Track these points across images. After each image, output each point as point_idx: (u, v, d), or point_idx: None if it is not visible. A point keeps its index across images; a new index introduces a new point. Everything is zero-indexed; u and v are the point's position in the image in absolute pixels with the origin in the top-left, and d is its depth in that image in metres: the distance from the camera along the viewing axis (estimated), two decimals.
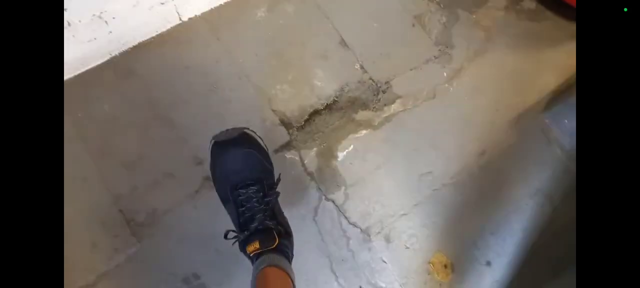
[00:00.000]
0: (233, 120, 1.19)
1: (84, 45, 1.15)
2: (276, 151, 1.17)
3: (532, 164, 1.24)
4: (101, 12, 1.11)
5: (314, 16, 1.34)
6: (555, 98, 1.27)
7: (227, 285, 1.05)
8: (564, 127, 1.24)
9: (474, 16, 1.37)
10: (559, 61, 1.33)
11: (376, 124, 1.23)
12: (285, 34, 1.31)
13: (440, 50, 1.32)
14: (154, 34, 1.27)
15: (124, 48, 1.25)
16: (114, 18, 1.14)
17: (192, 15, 1.30)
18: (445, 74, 1.30)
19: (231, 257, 1.04)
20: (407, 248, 1.13)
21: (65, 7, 1.02)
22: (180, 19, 1.29)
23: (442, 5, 1.38)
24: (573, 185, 1.20)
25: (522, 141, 1.25)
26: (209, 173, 0.94)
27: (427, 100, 1.27)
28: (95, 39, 1.16)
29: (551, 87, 1.30)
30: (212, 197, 1.01)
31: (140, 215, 1.08)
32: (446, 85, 1.29)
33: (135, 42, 1.25)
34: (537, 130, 1.26)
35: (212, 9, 1.32)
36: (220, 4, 1.33)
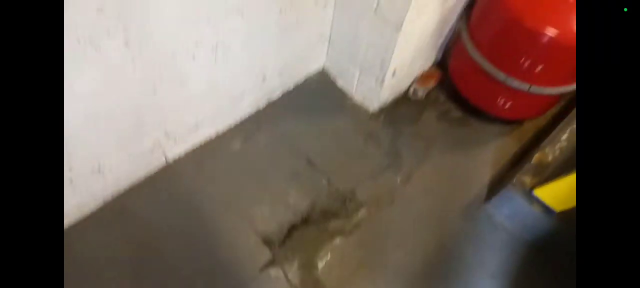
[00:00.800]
0: (219, 244, 1.31)
1: (84, 196, 1.28)
2: (261, 269, 1.29)
3: (487, 249, 1.42)
4: (98, 165, 1.27)
5: (282, 142, 1.56)
6: (492, 189, 1.51)
7: None
8: (505, 213, 1.45)
9: (414, 129, 1.64)
10: (489, 157, 1.60)
11: (347, 230, 1.39)
12: (259, 160, 1.51)
13: (390, 160, 1.56)
14: (144, 176, 1.42)
15: (117, 192, 1.39)
16: (109, 170, 1.30)
17: (176, 157, 1.49)
18: (398, 179, 1.52)
19: None
20: None
21: (70, 166, 1.17)
22: (167, 161, 1.47)
23: (386, 124, 1.65)
24: (522, 265, 1.38)
25: (473, 229, 1.44)
26: None
27: (387, 204, 1.46)
28: (90, 188, 1.30)
29: (487, 179, 1.54)
30: None
31: None
32: (401, 189, 1.50)
33: (126, 187, 1.40)
34: (484, 218, 1.47)
35: (196, 147, 1.51)
36: (201, 142, 1.53)
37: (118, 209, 1.35)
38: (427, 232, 1.42)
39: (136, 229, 1.32)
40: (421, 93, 1.71)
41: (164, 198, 1.39)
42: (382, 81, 1.57)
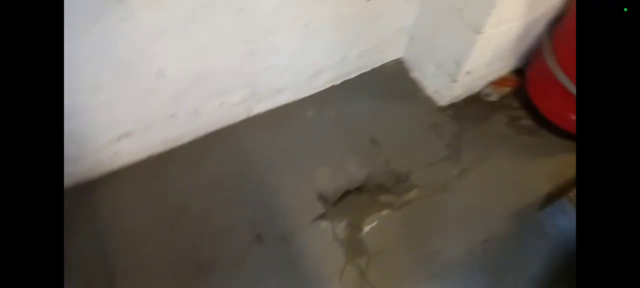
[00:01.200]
0: (278, 194, 1.50)
1: (181, 128, 1.54)
2: (312, 221, 1.45)
3: (530, 254, 1.43)
4: (196, 108, 1.51)
5: (351, 118, 1.70)
6: (549, 200, 1.51)
7: None
8: (556, 224, 1.45)
9: (480, 128, 1.68)
10: (551, 170, 1.59)
11: (396, 206, 1.50)
12: (328, 129, 1.67)
13: (450, 152, 1.62)
14: (230, 124, 1.66)
15: (205, 133, 1.63)
16: (205, 112, 1.53)
17: (258, 112, 1.70)
18: (455, 171, 1.58)
19: None
20: None
21: (176, 109, 1.42)
22: (250, 115, 1.69)
23: (453, 119, 1.71)
24: (564, 277, 1.38)
25: (521, 234, 1.46)
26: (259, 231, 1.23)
27: (440, 191, 1.54)
28: (187, 124, 1.55)
29: (545, 191, 1.54)
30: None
31: None
32: (455, 180, 1.56)
33: (215, 129, 1.64)
34: (534, 225, 1.48)
35: (273, 108, 1.72)
36: (280, 106, 1.73)
37: (203, 146, 1.59)
38: (473, 226, 1.47)
39: (215, 165, 1.55)
40: (494, 96, 1.74)
41: (241, 145, 1.61)
42: (456, 79, 1.63)
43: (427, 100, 1.78)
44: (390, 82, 1.83)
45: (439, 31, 1.60)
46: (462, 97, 1.76)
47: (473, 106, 1.74)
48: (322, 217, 1.46)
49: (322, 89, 1.79)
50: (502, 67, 1.74)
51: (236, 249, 1.38)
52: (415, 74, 1.85)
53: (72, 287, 1.26)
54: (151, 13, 1.10)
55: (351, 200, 1.51)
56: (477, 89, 1.77)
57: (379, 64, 1.89)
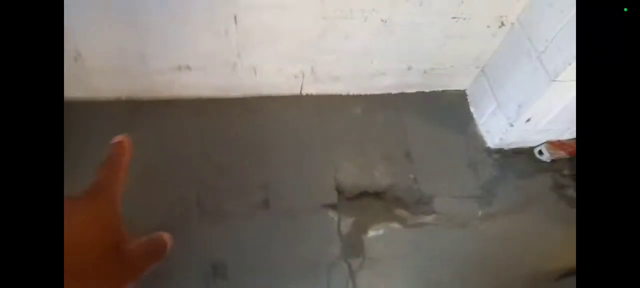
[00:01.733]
0: (300, 170, 1.53)
1: (236, 81, 1.63)
2: (322, 206, 1.46)
3: None
4: (256, 66, 1.59)
5: (395, 127, 1.69)
6: (568, 275, 1.38)
7: None
8: None
9: (521, 182, 1.58)
10: None
11: (408, 223, 1.46)
12: (369, 130, 1.67)
13: (482, 193, 1.54)
14: (279, 94, 1.72)
15: (256, 94, 1.71)
16: (262, 72, 1.61)
17: (309, 92, 1.75)
18: (480, 213, 1.50)
19: None
20: None
21: (238, 52, 1.51)
22: (301, 92, 1.74)
23: (496, 164, 1.63)
24: None
25: None
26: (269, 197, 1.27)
27: (459, 226, 1.47)
28: (242, 79, 1.64)
29: (568, 265, 1.41)
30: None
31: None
32: (477, 222, 1.48)
33: (264, 94, 1.72)
34: None
35: (324, 94, 1.75)
36: (331, 94, 1.76)
37: (247, 106, 1.67)
38: (482, 273, 1.39)
39: (251, 126, 1.62)
40: (547, 156, 1.63)
41: (281, 116, 1.66)
42: (513, 123, 1.56)
43: (477, 137, 1.71)
44: (446, 109, 1.79)
45: (512, 70, 1.54)
46: (513, 146, 1.67)
47: (521, 159, 1.65)
48: (332, 206, 1.47)
49: (378, 92, 1.79)
50: (565, 129, 1.62)
51: (243, 206, 1.43)
52: (473, 109, 1.79)
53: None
54: None
55: (366, 202, 1.50)
56: (531, 144, 1.67)
57: (441, 89, 1.86)
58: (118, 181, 0.39)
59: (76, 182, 1.27)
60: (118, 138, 0.42)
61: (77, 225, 0.33)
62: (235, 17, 1.35)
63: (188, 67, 1.51)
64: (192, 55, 1.47)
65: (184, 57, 1.48)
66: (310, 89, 1.74)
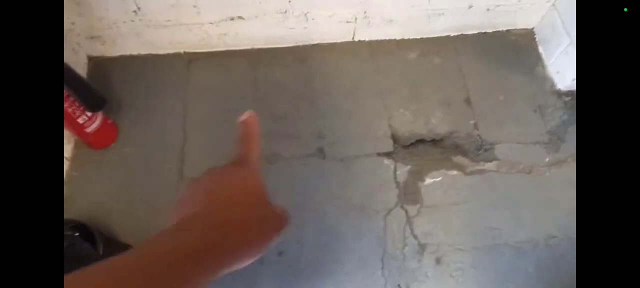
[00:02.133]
0: (354, 118, 1.50)
1: (287, 30, 1.60)
2: (378, 154, 1.44)
3: None
4: (307, 12, 1.55)
5: (453, 72, 1.59)
6: None
7: None
8: None
9: None
10: None
11: (468, 171, 1.40)
12: (425, 76, 1.59)
13: (550, 138, 1.43)
14: (331, 41, 1.68)
15: (308, 43, 1.68)
16: (313, 19, 1.57)
17: (362, 39, 1.68)
18: (547, 159, 1.40)
19: None
20: (452, 276, 1.26)
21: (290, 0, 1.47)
22: (353, 38, 1.68)
23: (567, 107, 1.49)
24: None
25: None
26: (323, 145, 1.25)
27: (522, 172, 1.39)
28: (293, 28, 1.61)
29: None
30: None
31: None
32: (544, 168, 1.39)
33: (316, 42, 1.68)
34: None
35: (378, 40, 1.68)
36: (385, 39, 1.68)
37: (301, 54, 1.64)
38: (544, 217, 1.31)
39: (305, 75, 1.60)
40: None
41: (335, 64, 1.62)
42: None
43: (546, 79, 1.57)
44: (511, 50, 1.65)
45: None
46: None
47: None
48: (388, 154, 1.44)
49: (435, 36, 1.69)
50: None
51: (299, 154, 1.44)
52: (542, 49, 1.64)
53: (149, 141, 1.45)
54: None
55: (423, 149, 1.45)
56: None
57: (506, 28, 1.71)
58: (255, 153, 0.45)
59: (147, 132, 1.33)
60: (245, 115, 0.47)
61: (236, 185, 0.39)
62: None
63: (240, 17, 1.51)
64: (243, 4, 1.46)
65: (236, 7, 1.47)
66: (363, 35, 1.67)
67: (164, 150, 1.42)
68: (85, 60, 1.58)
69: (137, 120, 1.47)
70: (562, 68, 1.52)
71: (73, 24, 1.43)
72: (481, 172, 1.39)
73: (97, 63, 1.58)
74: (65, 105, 1.20)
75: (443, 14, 1.59)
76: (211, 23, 1.50)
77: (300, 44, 1.67)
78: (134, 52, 1.60)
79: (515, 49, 1.65)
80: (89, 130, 1.32)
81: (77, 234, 1.08)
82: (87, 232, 1.10)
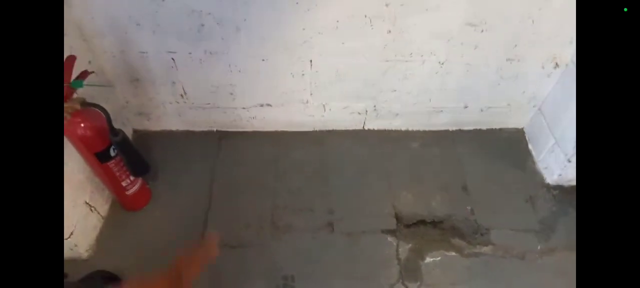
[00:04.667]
0: (365, 197, 1.60)
1: (307, 117, 1.77)
2: (382, 232, 1.51)
3: None
4: (325, 103, 1.73)
5: (452, 161, 1.71)
6: None
7: None
8: None
9: None
10: None
11: (465, 252, 1.45)
12: (426, 163, 1.71)
13: (542, 228, 1.50)
14: (344, 128, 1.84)
15: (324, 129, 1.84)
16: (330, 109, 1.74)
17: (371, 127, 1.84)
18: (539, 246, 1.45)
19: None
20: None
21: (311, 92, 1.66)
22: (363, 127, 1.85)
23: (556, 199, 1.58)
24: None
25: None
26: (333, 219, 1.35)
27: (516, 258, 1.44)
28: (313, 116, 1.78)
29: None
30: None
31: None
32: (537, 255, 1.44)
33: (331, 128, 1.84)
34: None
35: (385, 129, 1.84)
36: (391, 129, 1.84)
37: (318, 139, 1.80)
38: None
39: (320, 156, 1.74)
40: None
41: (347, 148, 1.76)
42: (570, 160, 1.52)
43: (535, 173, 1.68)
44: (504, 145, 1.78)
45: (568, 110, 1.52)
46: (573, 183, 1.61)
47: None
48: (391, 232, 1.51)
49: (436, 129, 1.84)
50: None
51: (310, 226, 1.52)
52: (531, 146, 1.77)
53: (177, 206, 1.57)
54: (327, 10, 1.32)
55: (424, 229, 1.52)
56: None
57: (499, 127, 1.86)
58: (192, 274, 0.43)
59: (177, 198, 1.45)
60: (206, 238, 0.47)
61: None
62: (311, 62, 1.51)
63: (268, 105, 1.69)
64: (272, 94, 1.65)
65: (266, 95, 1.66)
66: (373, 125, 1.83)
67: (190, 215, 1.53)
68: (131, 132, 1.76)
69: (169, 187, 1.60)
70: (549, 164, 1.63)
71: (127, 102, 1.63)
72: (478, 255, 1.45)
73: (140, 135, 1.75)
74: (113, 169, 1.33)
75: (442, 111, 1.76)
76: (243, 108, 1.69)
77: (318, 129, 1.83)
78: (174, 128, 1.78)
79: (508, 144, 1.79)
80: (129, 192, 1.44)
81: (109, 286, 1.15)
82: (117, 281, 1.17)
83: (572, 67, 1.50)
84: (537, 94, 1.67)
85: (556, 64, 1.53)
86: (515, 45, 1.46)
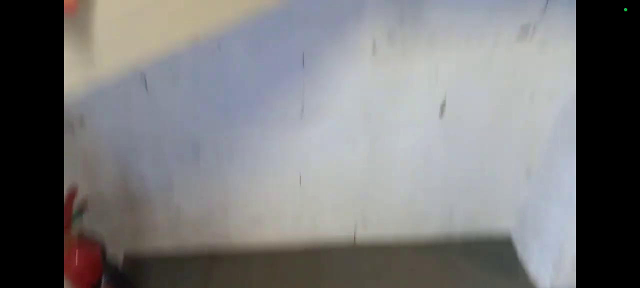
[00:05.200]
0: None
1: (297, 232, 1.79)
2: None
3: None
4: (314, 217, 1.76)
5: (441, 276, 1.70)
6: None
7: None
8: None
9: None
10: None
11: None
12: (416, 278, 1.69)
13: None
14: (335, 242, 1.84)
15: (315, 243, 1.84)
16: (321, 222, 1.77)
17: (360, 239, 1.84)
18: None
19: None
20: None
21: (302, 204, 1.71)
22: (354, 240, 1.85)
23: None
24: None
25: None
26: None
27: None
28: (304, 232, 1.80)
29: None
30: None
31: None
32: None
33: (324, 243, 1.84)
34: None
35: (375, 242, 1.84)
36: (382, 242, 1.84)
37: (311, 254, 1.79)
38: None
39: (311, 270, 1.72)
40: None
41: (340, 264, 1.75)
42: (558, 265, 1.53)
43: (527, 280, 1.66)
44: (494, 253, 1.79)
45: (548, 212, 1.57)
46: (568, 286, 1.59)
47: None
48: None
49: (425, 239, 1.84)
50: None
51: None
52: (521, 252, 1.78)
53: None
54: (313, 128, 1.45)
55: None
56: None
57: (487, 235, 1.86)
58: None
59: None
60: None
61: None
62: (302, 176, 1.59)
63: (261, 224, 1.72)
64: (265, 215, 1.69)
65: (260, 216, 1.70)
66: (361, 234, 1.83)
67: None
68: (122, 255, 1.74)
69: None
70: (539, 270, 1.63)
71: (122, 224, 1.65)
72: None
73: (131, 257, 1.74)
74: None
75: (430, 215, 1.78)
76: (236, 227, 1.72)
77: (310, 245, 1.82)
78: (165, 249, 1.77)
79: (498, 252, 1.80)
80: None
81: None
82: None
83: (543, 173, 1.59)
84: (515, 199, 1.72)
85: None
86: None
